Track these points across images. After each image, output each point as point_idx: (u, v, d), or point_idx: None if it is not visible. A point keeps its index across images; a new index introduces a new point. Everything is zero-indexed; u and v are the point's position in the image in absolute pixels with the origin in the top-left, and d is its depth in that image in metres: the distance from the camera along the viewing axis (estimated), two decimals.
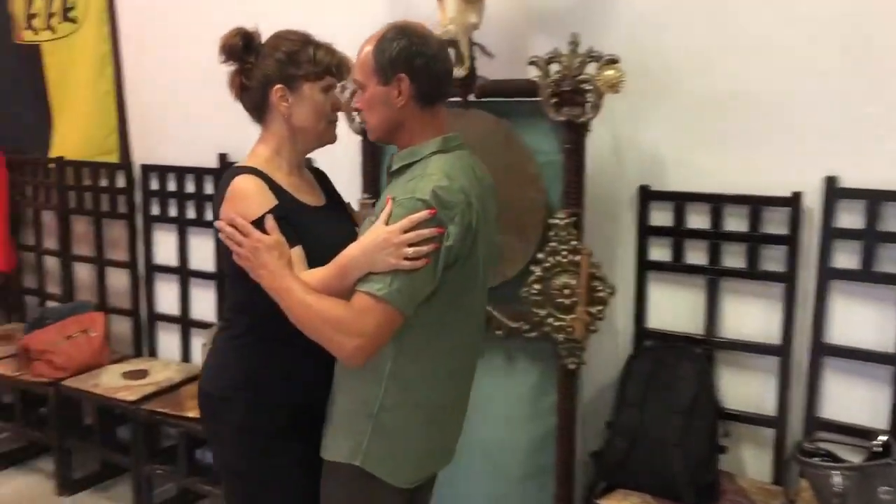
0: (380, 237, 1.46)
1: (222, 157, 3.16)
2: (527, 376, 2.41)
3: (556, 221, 2.21)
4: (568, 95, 2.16)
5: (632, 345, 2.47)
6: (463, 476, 2.50)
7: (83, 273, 3.74)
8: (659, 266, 2.44)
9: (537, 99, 2.21)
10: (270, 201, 1.62)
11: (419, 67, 1.56)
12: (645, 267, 2.46)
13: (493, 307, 2.35)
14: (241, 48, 1.73)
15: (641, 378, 2.33)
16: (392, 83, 1.57)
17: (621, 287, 2.37)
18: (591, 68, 2.15)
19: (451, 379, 1.66)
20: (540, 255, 2.25)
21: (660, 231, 2.43)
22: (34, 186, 3.79)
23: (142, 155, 3.49)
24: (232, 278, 1.75)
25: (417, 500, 1.78)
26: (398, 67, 1.56)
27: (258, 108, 1.75)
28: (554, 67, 2.18)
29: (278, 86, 1.70)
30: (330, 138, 1.78)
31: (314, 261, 1.59)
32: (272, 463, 1.74)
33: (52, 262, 3.83)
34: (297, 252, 1.59)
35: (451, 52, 2.22)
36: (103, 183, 3.55)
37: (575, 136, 2.20)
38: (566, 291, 2.21)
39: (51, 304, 3.78)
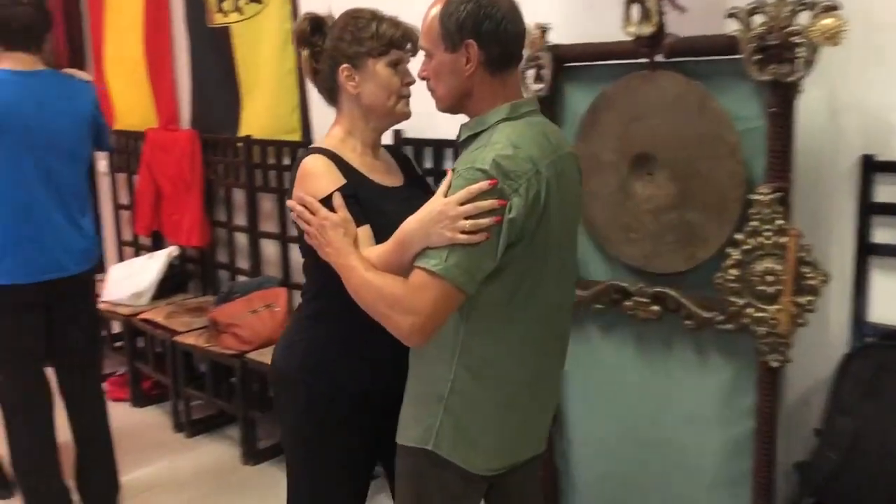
0: (435, 209, 1.40)
1: (396, 133, 3.09)
2: (720, 373, 2.14)
3: (759, 197, 1.92)
4: (774, 51, 1.86)
5: (848, 342, 2.12)
6: (645, 476, 2.30)
7: (269, 249, 3.84)
8: (885, 250, 2.07)
9: (737, 56, 1.92)
10: (338, 180, 1.63)
11: (488, 32, 1.47)
12: (867, 251, 2.10)
13: (681, 294, 2.10)
14: (309, 32, 1.76)
15: (859, 381, 1.99)
16: (460, 50, 1.48)
17: (836, 274, 2.03)
18: (803, 18, 1.84)
19: (526, 362, 1.56)
20: (738, 236, 1.97)
21: (887, 209, 2.06)
22: (225, 165, 3.94)
23: (322, 133, 3.49)
24: (305, 259, 1.77)
25: (507, 487, 1.69)
26: (466, 33, 1.47)
27: (330, 90, 1.76)
28: (758, 19, 1.88)
29: (344, 65, 1.71)
30: (402, 114, 1.75)
31: (384, 241, 1.53)
32: (327, 452, 1.79)
33: (241, 238, 3.98)
34: (364, 231, 1.57)
35: (633, 8, 2.02)
36: (286, 161, 3.61)
37: (782, 98, 1.90)
38: (769, 278, 1.93)
39: (241, 278, 3.92)
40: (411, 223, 1.43)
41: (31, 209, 2.63)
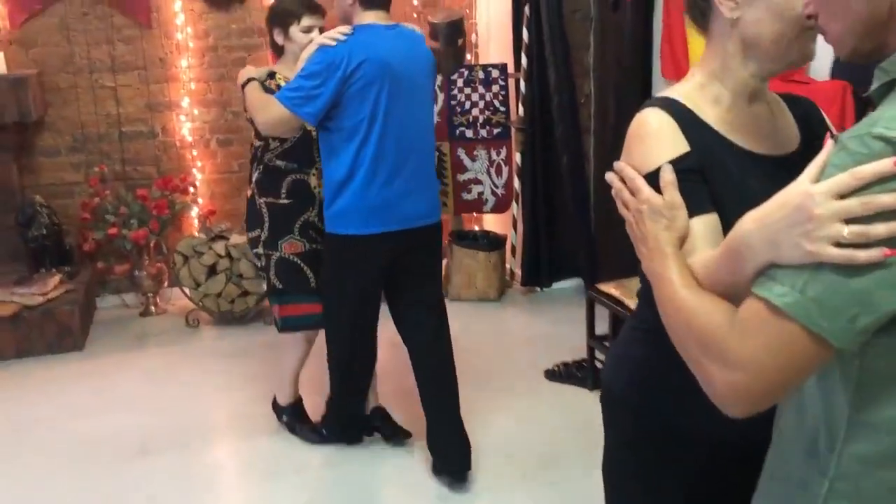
0: (792, 201, 0.88)
1: None
2: None
3: None
4: None
5: None
6: None
7: None
8: None
9: None
10: (677, 147, 1.20)
11: None
12: None
13: None
14: None
15: None
16: None
17: None
18: None
19: None
20: None
21: None
22: None
23: None
24: None
25: None
26: None
27: (702, 13, 1.28)
28: None
29: None
30: (803, 55, 1.23)
31: None
32: (642, 496, 1.46)
33: None
34: (705, 223, 1.13)
35: None
36: None
37: None
38: None
39: None
40: (748, 222, 0.94)
41: (406, 159, 2.70)
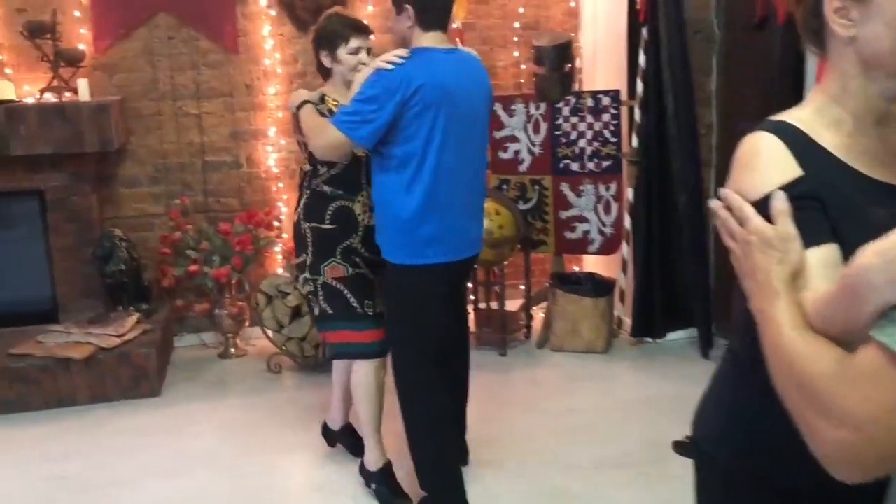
0: None
1: None
2: None
3: None
4: None
5: None
6: None
7: None
8: None
9: None
10: (788, 172, 1.07)
11: None
12: None
13: None
14: None
15: None
16: None
17: None
18: None
19: None
20: None
21: None
22: None
23: None
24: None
25: None
26: None
27: (817, 34, 1.14)
28: None
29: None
30: None
31: None
32: None
33: None
34: (823, 255, 1.02)
35: None
36: None
37: None
38: None
39: None
40: (869, 255, 0.87)
41: (460, 185, 2.64)
